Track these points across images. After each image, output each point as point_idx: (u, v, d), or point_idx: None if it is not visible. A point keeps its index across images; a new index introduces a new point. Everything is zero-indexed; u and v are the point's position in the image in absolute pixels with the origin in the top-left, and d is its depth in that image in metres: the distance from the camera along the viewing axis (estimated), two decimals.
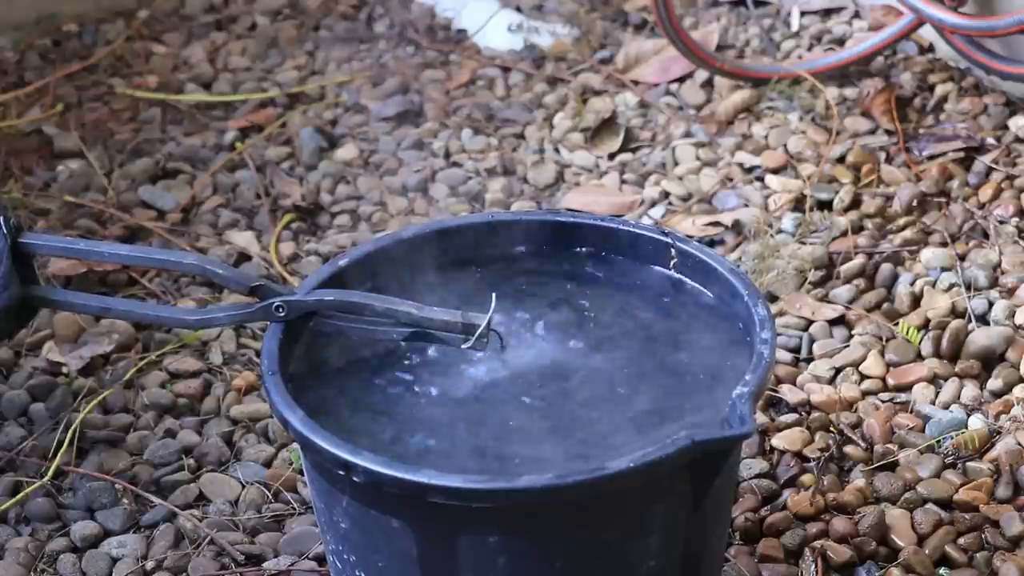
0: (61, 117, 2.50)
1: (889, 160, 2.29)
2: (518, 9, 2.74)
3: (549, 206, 2.28)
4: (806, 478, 1.79)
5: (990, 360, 1.94)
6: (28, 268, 1.77)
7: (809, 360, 1.98)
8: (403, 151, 2.42)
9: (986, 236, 2.13)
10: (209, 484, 1.84)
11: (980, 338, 1.95)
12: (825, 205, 2.21)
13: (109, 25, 2.75)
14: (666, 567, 1.46)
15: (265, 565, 1.74)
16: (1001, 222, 2.14)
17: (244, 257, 2.21)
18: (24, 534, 1.80)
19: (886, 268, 2.08)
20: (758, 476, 1.80)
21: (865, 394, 1.92)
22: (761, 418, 1.87)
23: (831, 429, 1.86)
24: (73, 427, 1.89)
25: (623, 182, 2.32)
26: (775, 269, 2.08)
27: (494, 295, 1.54)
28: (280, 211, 2.30)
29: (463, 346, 1.53)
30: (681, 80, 2.52)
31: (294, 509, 1.80)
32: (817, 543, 1.70)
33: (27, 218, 2.26)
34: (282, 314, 1.56)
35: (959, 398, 1.89)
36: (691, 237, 2.01)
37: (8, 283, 1.73)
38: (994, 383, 1.90)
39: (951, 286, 2.04)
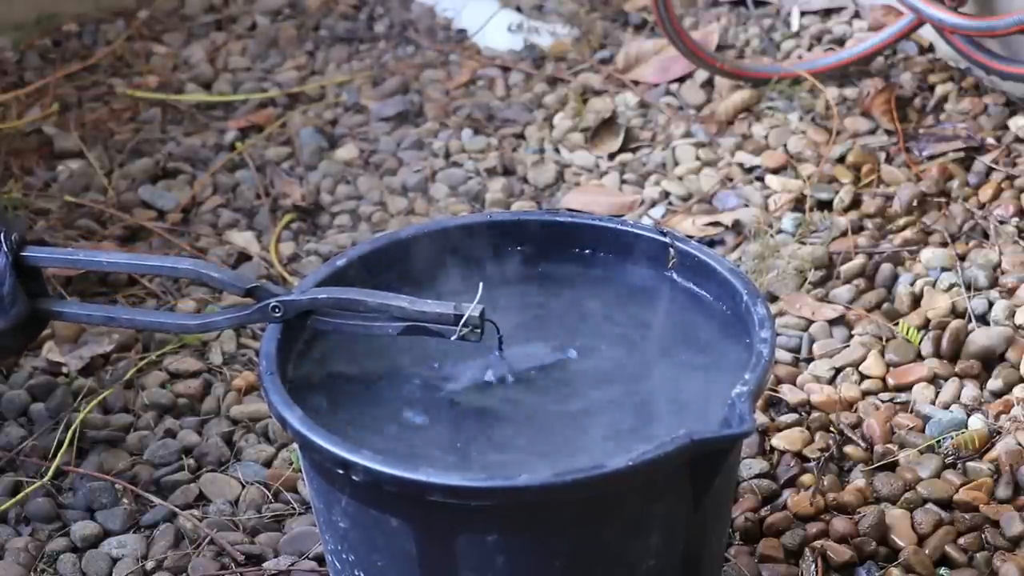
0: (61, 117, 2.50)
1: (889, 160, 2.29)
2: (518, 9, 2.74)
3: (549, 206, 2.28)
4: (806, 478, 1.79)
5: (990, 360, 1.94)
6: (35, 281, 1.77)
7: (809, 360, 1.98)
8: (403, 151, 2.42)
9: (986, 236, 2.13)
10: (209, 484, 1.84)
11: (980, 338, 1.95)
12: (825, 205, 2.21)
13: (109, 25, 2.75)
14: (666, 567, 1.46)
15: (265, 565, 1.74)
16: (1001, 222, 2.14)
17: (244, 257, 2.21)
18: (24, 534, 1.80)
19: (886, 268, 2.08)
20: (758, 476, 1.80)
21: (865, 394, 1.92)
22: (761, 418, 1.87)
23: (831, 429, 1.86)
24: (73, 427, 1.89)
25: (623, 182, 2.32)
26: (775, 269, 2.08)
27: (481, 284, 1.54)
28: (280, 211, 2.30)
29: (452, 337, 1.53)
30: (681, 80, 2.52)
31: (294, 509, 1.80)
32: (817, 543, 1.70)
33: (27, 218, 2.26)
34: (279, 314, 1.56)
35: (959, 398, 1.89)
36: (691, 237, 2.01)
37: (14, 300, 1.73)
38: (994, 383, 1.90)
39: (951, 286, 2.04)
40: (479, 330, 1.52)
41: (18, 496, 1.83)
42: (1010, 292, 2.02)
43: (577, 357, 1.56)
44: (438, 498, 1.37)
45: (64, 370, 2.01)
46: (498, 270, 1.65)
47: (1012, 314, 1.98)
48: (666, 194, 2.28)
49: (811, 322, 2.02)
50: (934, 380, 1.92)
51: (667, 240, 1.63)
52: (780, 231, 2.17)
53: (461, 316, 1.52)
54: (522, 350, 1.56)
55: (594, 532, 1.41)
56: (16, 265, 1.73)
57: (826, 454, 1.81)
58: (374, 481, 1.39)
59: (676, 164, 2.34)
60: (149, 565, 1.75)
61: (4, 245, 1.72)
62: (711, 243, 2.17)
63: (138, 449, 1.89)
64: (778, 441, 1.84)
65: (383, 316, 1.55)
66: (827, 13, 2.64)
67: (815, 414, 1.88)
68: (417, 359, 1.57)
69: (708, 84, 2.50)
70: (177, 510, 1.80)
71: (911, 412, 1.88)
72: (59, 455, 1.87)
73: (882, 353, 1.96)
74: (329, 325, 1.57)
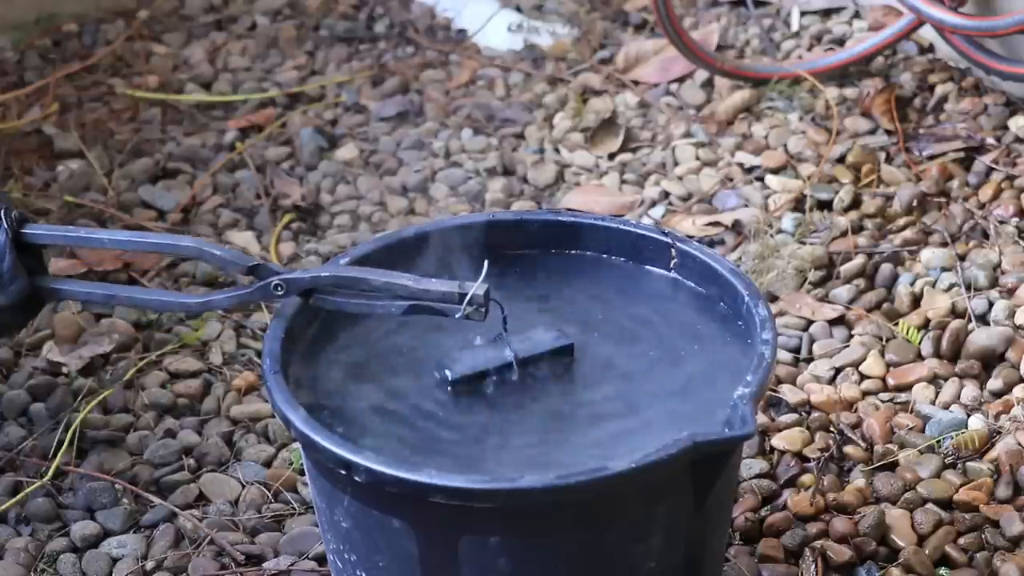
0: (61, 117, 2.50)
1: (889, 160, 2.29)
2: (518, 9, 2.74)
3: (549, 206, 2.28)
4: (806, 478, 1.79)
5: (990, 360, 1.94)
6: (35, 259, 1.77)
7: (809, 360, 1.98)
8: (403, 151, 2.42)
9: (986, 236, 2.13)
10: (209, 484, 1.84)
11: (980, 338, 1.95)
12: (825, 205, 2.22)
13: (109, 25, 2.75)
14: (667, 568, 1.46)
15: (265, 565, 1.74)
16: (1001, 222, 2.14)
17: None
18: (24, 534, 1.80)
19: (886, 268, 2.08)
20: (758, 476, 1.80)
21: (865, 394, 1.92)
22: (761, 418, 1.87)
23: (831, 429, 1.86)
24: (73, 427, 1.89)
25: (623, 182, 2.32)
26: (775, 269, 2.08)
27: (486, 262, 1.53)
28: (280, 211, 2.30)
29: (456, 316, 1.52)
30: (681, 80, 2.52)
31: (294, 509, 1.80)
32: (817, 543, 1.70)
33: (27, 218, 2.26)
34: (280, 292, 1.55)
35: (959, 398, 1.89)
36: (691, 237, 2.01)
37: (14, 277, 1.73)
38: (994, 383, 1.90)
39: (951, 286, 2.04)
40: (483, 308, 1.51)
41: (18, 496, 1.83)
42: (1010, 292, 2.02)
43: (578, 357, 1.56)
44: (440, 499, 1.37)
45: (64, 370, 2.01)
46: (498, 271, 1.65)
47: (1012, 314, 1.98)
48: (666, 194, 2.28)
49: (811, 322, 2.02)
50: (934, 380, 1.92)
51: (668, 240, 1.63)
52: (780, 231, 2.17)
53: (465, 295, 1.51)
54: (523, 350, 1.56)
55: (596, 534, 1.41)
56: (16, 243, 1.73)
57: (826, 454, 1.81)
58: (376, 482, 1.39)
59: (676, 164, 2.34)
60: (149, 565, 1.75)
61: (4, 222, 1.72)
62: (711, 243, 2.17)
63: (138, 449, 1.89)
64: (778, 441, 1.84)
65: (386, 295, 1.54)
66: (827, 13, 2.64)
67: (815, 414, 1.88)
68: (420, 358, 1.56)
69: (708, 84, 2.50)
70: (177, 510, 1.80)
71: (911, 412, 1.88)
72: (59, 455, 1.87)
73: (882, 353, 1.96)
74: (331, 304, 1.56)
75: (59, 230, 1.77)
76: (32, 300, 1.77)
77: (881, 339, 1.98)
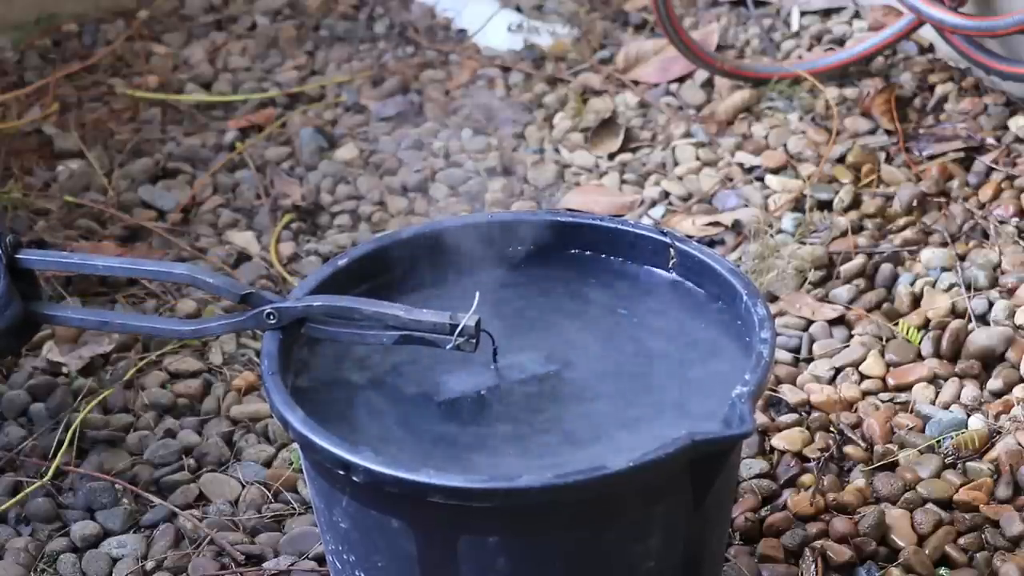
0: (61, 117, 2.50)
1: (889, 160, 2.29)
2: (518, 9, 2.74)
3: (549, 206, 2.28)
4: (806, 478, 1.79)
5: (990, 360, 1.94)
6: (30, 284, 1.77)
7: (809, 360, 1.98)
8: (403, 151, 2.42)
9: (986, 236, 2.13)
10: (209, 484, 1.84)
11: (980, 338, 1.95)
12: (825, 205, 2.22)
13: (109, 25, 2.75)
14: (666, 568, 1.46)
15: (265, 565, 1.74)
16: (1001, 222, 2.14)
17: (244, 257, 2.21)
18: (24, 534, 1.80)
19: (886, 268, 2.08)
20: (758, 476, 1.80)
21: (865, 394, 1.92)
22: (761, 418, 1.87)
23: (831, 429, 1.86)
24: (73, 427, 1.89)
25: (623, 182, 2.32)
26: (775, 269, 2.08)
27: (478, 294, 1.53)
28: (280, 211, 2.30)
29: (447, 347, 1.52)
30: (681, 80, 2.52)
31: (294, 509, 1.80)
32: (817, 543, 1.70)
33: (27, 218, 2.26)
34: (273, 321, 1.56)
35: (959, 398, 1.89)
36: (691, 237, 2.01)
37: (8, 303, 1.73)
38: (994, 383, 1.90)
39: (951, 286, 2.04)
40: (474, 340, 1.52)
41: (18, 496, 1.83)
42: (1010, 292, 2.02)
43: (576, 358, 1.56)
44: (439, 499, 1.37)
45: (64, 370, 2.01)
46: (498, 270, 1.65)
47: (1012, 314, 1.98)
48: (666, 194, 2.28)
49: (811, 322, 2.02)
50: (934, 380, 1.92)
51: (667, 240, 1.63)
52: (780, 231, 2.17)
53: (456, 326, 1.51)
54: (521, 351, 1.56)
55: (595, 533, 1.41)
56: (10, 268, 1.73)
57: (826, 454, 1.81)
58: (375, 482, 1.39)
59: (676, 164, 2.34)
60: (149, 565, 1.75)
61: None
62: (711, 243, 2.17)
63: (138, 449, 1.89)
64: (778, 441, 1.84)
65: (378, 325, 1.54)
66: (827, 13, 2.64)
67: (815, 414, 1.88)
68: (418, 361, 1.56)
69: (708, 84, 2.50)
70: (177, 510, 1.80)
71: (911, 412, 1.88)
72: (59, 455, 1.87)
73: (882, 353, 1.96)
74: (323, 333, 1.56)
75: (54, 255, 1.78)
76: (26, 325, 1.78)
77: (881, 339, 1.98)
